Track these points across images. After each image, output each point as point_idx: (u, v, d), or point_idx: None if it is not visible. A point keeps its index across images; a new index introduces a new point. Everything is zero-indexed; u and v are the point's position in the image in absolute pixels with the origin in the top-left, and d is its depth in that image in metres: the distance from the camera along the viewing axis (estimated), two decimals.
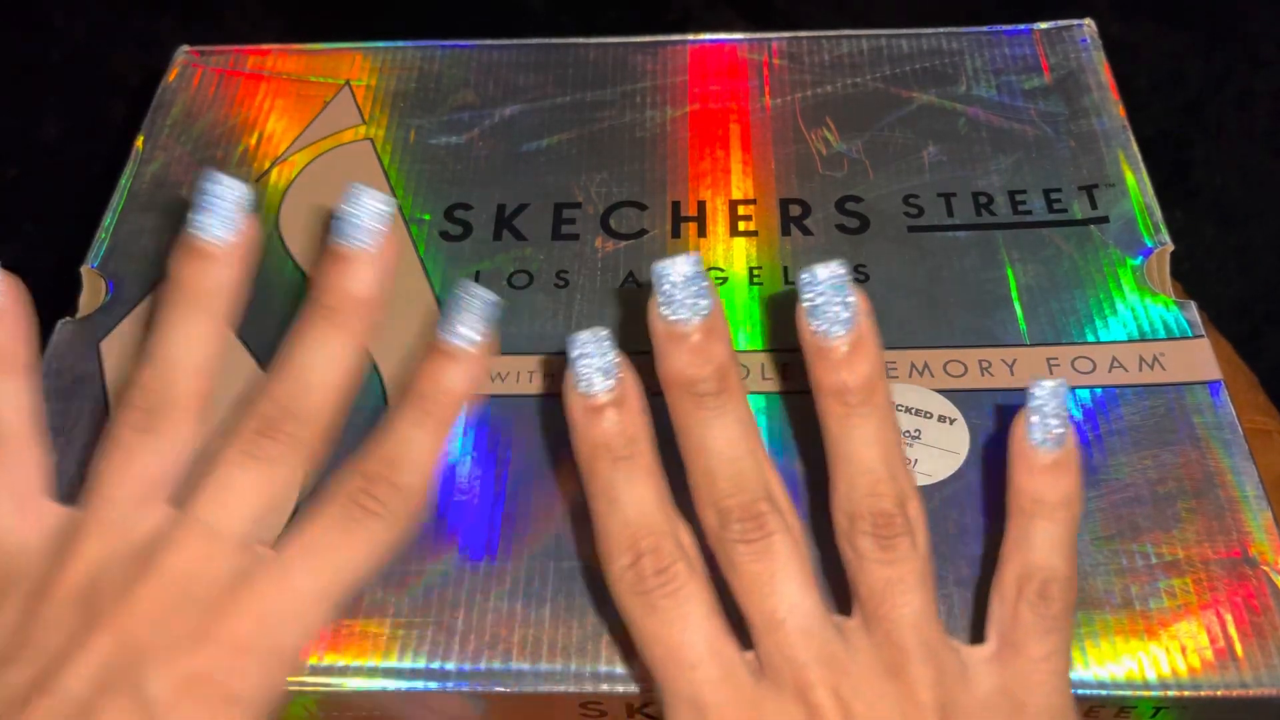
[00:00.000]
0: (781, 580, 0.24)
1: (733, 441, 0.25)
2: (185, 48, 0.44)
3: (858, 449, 0.25)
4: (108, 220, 0.38)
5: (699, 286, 0.25)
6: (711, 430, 0.25)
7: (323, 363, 0.27)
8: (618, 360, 0.26)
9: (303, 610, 0.25)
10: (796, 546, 0.25)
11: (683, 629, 0.24)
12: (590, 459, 0.25)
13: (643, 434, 0.25)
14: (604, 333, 0.25)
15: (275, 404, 0.26)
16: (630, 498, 0.25)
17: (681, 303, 0.25)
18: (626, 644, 0.28)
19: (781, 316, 0.35)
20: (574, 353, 0.25)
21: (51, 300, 0.37)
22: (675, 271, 0.25)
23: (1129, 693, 0.27)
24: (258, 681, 0.24)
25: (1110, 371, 0.33)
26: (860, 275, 0.36)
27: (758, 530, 0.24)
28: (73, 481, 0.32)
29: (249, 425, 0.26)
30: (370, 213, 0.27)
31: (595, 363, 0.25)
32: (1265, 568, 0.29)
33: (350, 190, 0.27)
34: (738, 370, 0.26)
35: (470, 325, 0.27)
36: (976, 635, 0.27)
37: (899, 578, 0.25)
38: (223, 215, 0.27)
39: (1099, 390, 0.32)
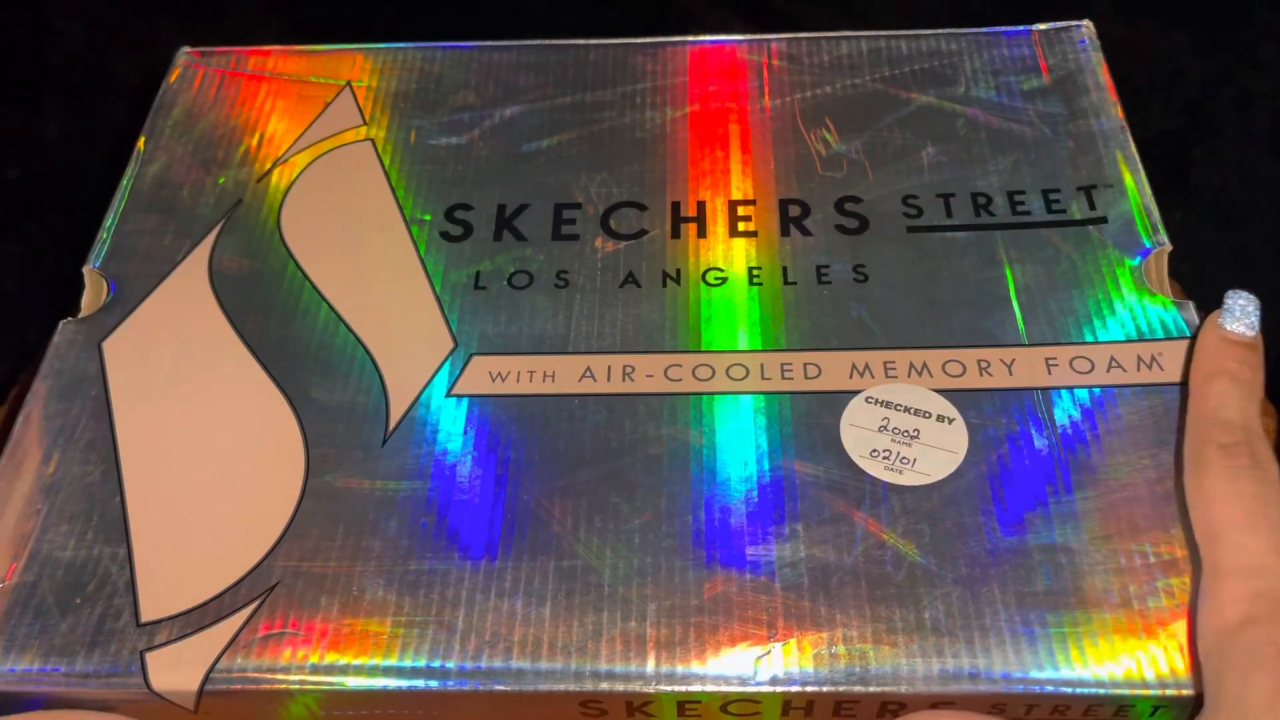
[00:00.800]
0: None
1: None
2: (186, 49, 0.44)
3: None
4: (109, 221, 0.39)
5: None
6: None
7: None
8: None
9: None
10: None
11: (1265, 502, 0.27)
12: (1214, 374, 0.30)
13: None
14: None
15: None
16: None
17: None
18: (626, 643, 0.28)
19: (782, 317, 0.35)
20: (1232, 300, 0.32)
21: (53, 300, 0.37)
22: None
23: (1127, 691, 0.27)
24: None
25: (1109, 371, 0.33)
26: (859, 275, 0.36)
27: None
28: (74, 482, 0.32)
29: None
30: None
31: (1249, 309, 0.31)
32: None
33: None
34: None
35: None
36: (977, 634, 0.27)
37: None
38: None
39: (1097, 390, 0.32)
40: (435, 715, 0.29)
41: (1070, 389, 0.32)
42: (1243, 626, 0.25)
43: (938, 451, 0.31)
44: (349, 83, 0.43)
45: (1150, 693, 0.27)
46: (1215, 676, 0.25)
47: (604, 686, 0.28)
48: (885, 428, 0.32)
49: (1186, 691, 0.27)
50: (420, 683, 0.28)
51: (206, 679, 0.28)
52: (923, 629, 0.28)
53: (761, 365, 0.34)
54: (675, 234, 0.37)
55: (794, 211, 0.38)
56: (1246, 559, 0.26)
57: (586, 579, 0.29)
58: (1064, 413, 0.32)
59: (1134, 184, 0.38)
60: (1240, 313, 0.31)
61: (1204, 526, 0.28)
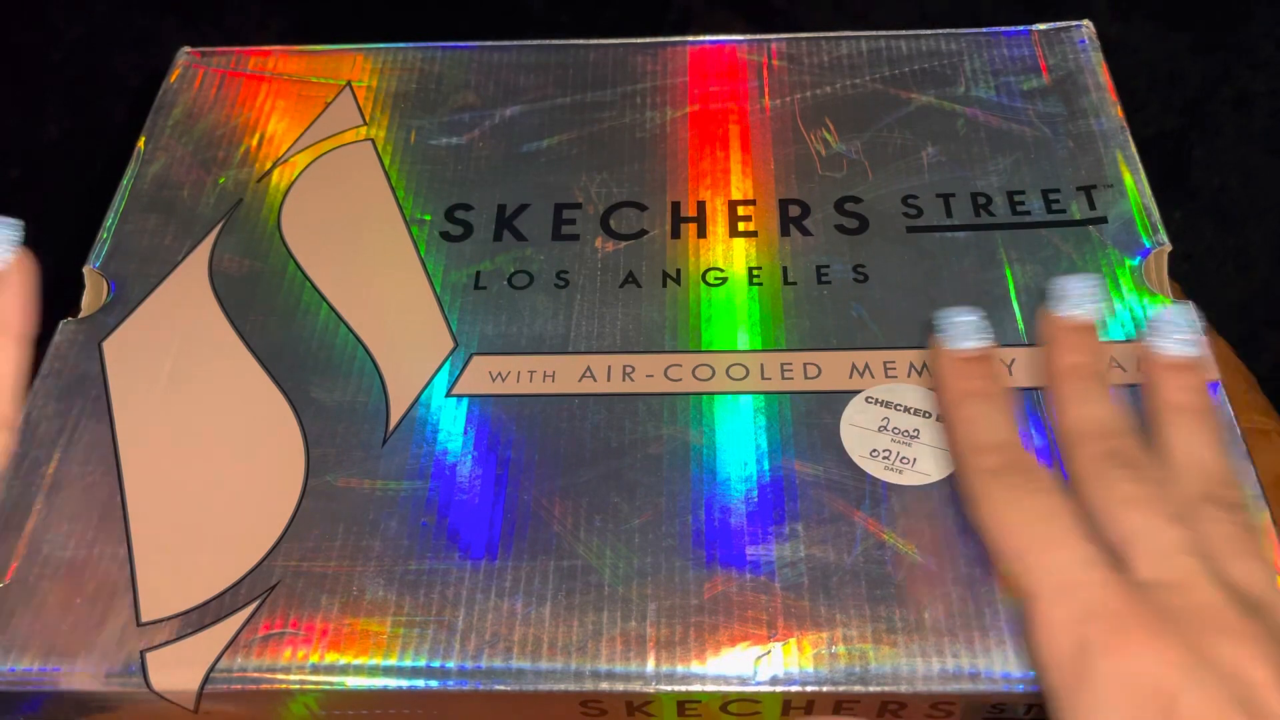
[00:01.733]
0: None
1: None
2: (186, 48, 0.44)
3: None
4: (109, 220, 0.39)
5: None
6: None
7: None
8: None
9: None
10: None
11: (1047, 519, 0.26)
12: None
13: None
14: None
15: None
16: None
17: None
18: (626, 643, 0.28)
19: (782, 317, 0.35)
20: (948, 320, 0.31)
21: (53, 300, 0.37)
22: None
23: None
24: None
25: (1109, 371, 0.33)
26: (859, 275, 0.36)
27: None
28: (74, 481, 0.32)
29: None
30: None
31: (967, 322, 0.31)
32: None
33: None
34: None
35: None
36: (977, 634, 0.27)
37: None
38: None
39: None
40: (435, 715, 0.29)
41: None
42: (1079, 655, 0.24)
43: (938, 451, 0.31)
44: (349, 83, 0.43)
45: None
46: (1064, 714, 0.24)
47: (604, 686, 0.28)
48: (885, 427, 0.32)
49: None
50: (420, 683, 0.28)
51: (207, 679, 0.28)
52: (923, 629, 0.28)
53: (761, 365, 0.34)
54: (675, 234, 0.37)
55: (794, 211, 0.38)
56: (1057, 577, 0.25)
57: (586, 579, 0.29)
58: None
59: (1134, 184, 0.38)
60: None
61: (1003, 554, 0.26)
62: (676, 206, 0.38)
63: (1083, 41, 0.42)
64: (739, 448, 0.32)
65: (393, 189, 0.39)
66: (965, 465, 0.28)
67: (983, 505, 0.27)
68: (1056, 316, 0.30)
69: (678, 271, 0.36)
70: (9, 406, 0.28)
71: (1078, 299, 0.30)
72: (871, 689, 0.27)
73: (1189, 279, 0.41)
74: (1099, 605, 0.24)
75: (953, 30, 0.43)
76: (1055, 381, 0.29)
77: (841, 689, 0.27)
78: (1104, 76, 0.41)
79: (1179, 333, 0.30)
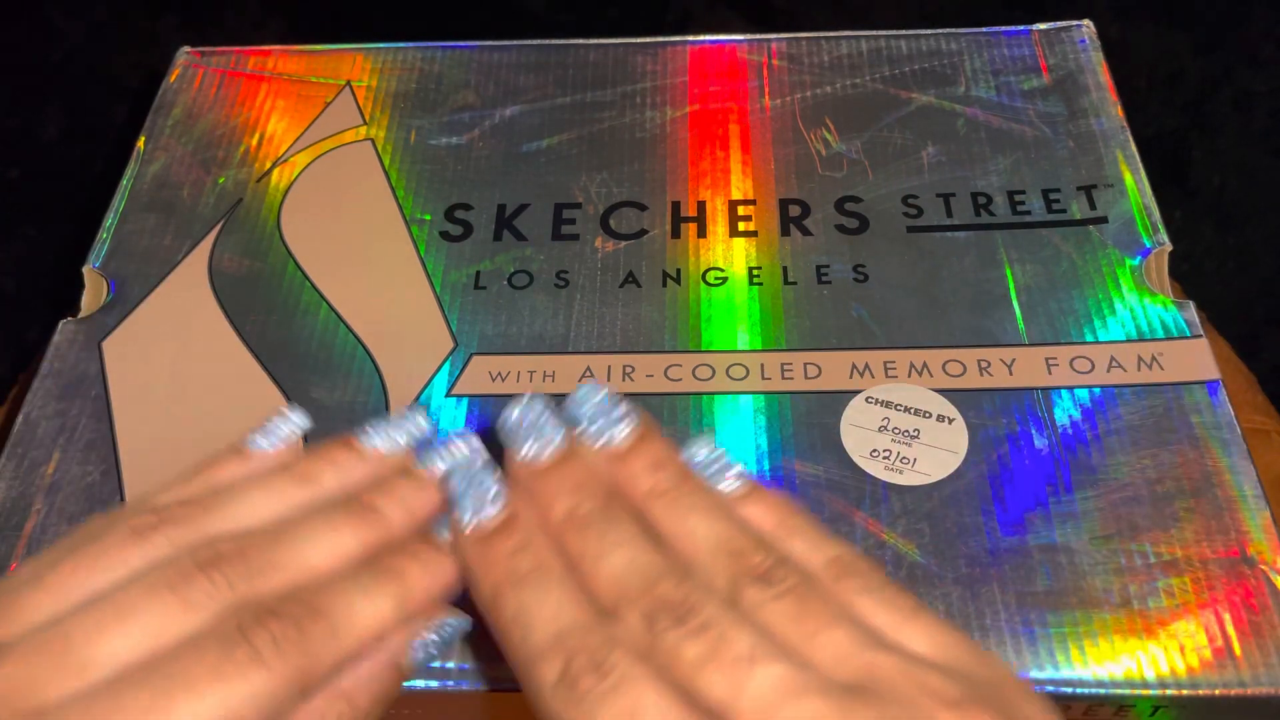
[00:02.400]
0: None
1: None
2: (186, 48, 0.44)
3: None
4: (109, 220, 0.39)
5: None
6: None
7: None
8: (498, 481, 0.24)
9: None
10: None
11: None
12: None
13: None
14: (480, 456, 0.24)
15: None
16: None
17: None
18: None
19: (782, 316, 0.35)
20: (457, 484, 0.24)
21: (53, 300, 0.37)
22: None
23: (1127, 691, 0.27)
24: None
25: (1109, 371, 0.33)
26: (860, 275, 0.36)
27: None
28: (74, 481, 0.32)
29: None
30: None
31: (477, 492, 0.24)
32: (1264, 567, 0.29)
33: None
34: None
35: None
36: (977, 634, 0.27)
37: None
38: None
39: (1097, 390, 0.32)
40: (434, 715, 0.29)
41: (1070, 389, 0.32)
42: None
43: (938, 451, 0.31)
44: (349, 82, 0.43)
45: (1150, 693, 0.27)
46: None
47: None
48: (885, 428, 0.32)
49: (1186, 691, 0.27)
50: (419, 683, 0.28)
51: None
52: None
53: (762, 365, 0.34)
54: (675, 234, 0.37)
55: (794, 211, 0.38)
56: None
57: None
58: (1064, 413, 0.32)
59: (1134, 183, 0.38)
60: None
61: None
62: (676, 206, 0.38)
63: (1083, 41, 0.42)
64: (739, 448, 0.32)
65: (392, 189, 0.39)
66: (528, 680, 0.21)
67: None
68: (522, 461, 0.24)
69: (678, 271, 0.36)
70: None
71: (531, 432, 0.24)
72: None
73: (1189, 278, 0.41)
74: None
75: (953, 30, 0.43)
76: (560, 539, 0.23)
77: None
78: (1104, 76, 0.41)
79: (599, 417, 0.24)
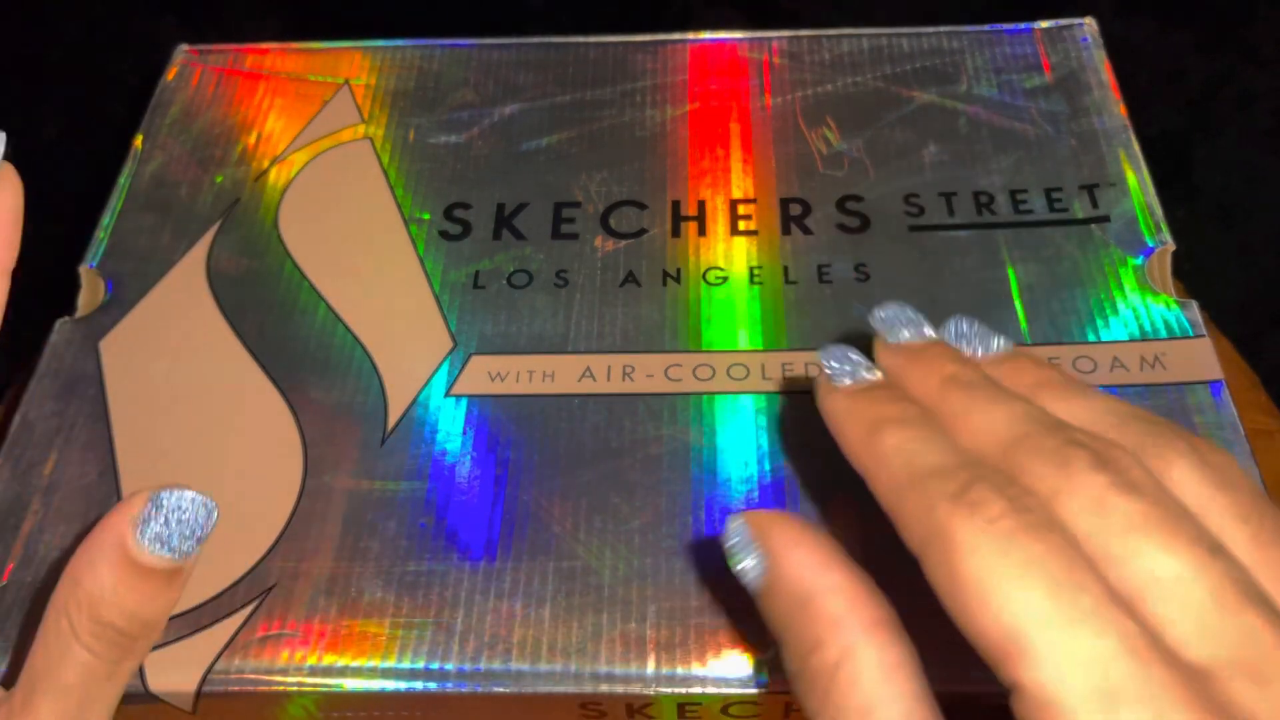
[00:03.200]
0: None
1: None
2: (184, 46, 0.44)
3: None
4: (106, 220, 0.38)
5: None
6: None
7: None
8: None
9: None
10: None
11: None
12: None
13: None
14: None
15: None
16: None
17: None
18: (626, 644, 0.28)
19: (783, 316, 0.35)
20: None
21: (50, 300, 0.37)
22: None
23: None
24: None
25: (1111, 371, 0.33)
26: (861, 275, 0.36)
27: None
28: (72, 482, 0.32)
29: None
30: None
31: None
32: None
33: None
34: None
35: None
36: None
37: None
38: None
39: (1100, 390, 0.32)
40: (434, 717, 0.29)
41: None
42: None
43: None
44: (347, 81, 0.43)
45: None
46: None
47: (604, 688, 0.28)
48: None
49: None
50: (419, 684, 0.28)
51: (204, 680, 0.28)
52: None
53: (762, 365, 0.33)
54: (675, 233, 0.37)
55: (795, 210, 0.38)
56: (1092, 676, 0.16)
57: (586, 580, 0.29)
58: None
59: (1137, 182, 0.37)
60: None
61: (984, 634, 0.18)
62: (677, 205, 0.38)
63: (1085, 39, 0.42)
64: (739, 448, 0.32)
65: (391, 187, 0.39)
66: (908, 503, 0.19)
67: (957, 554, 0.18)
68: (895, 343, 0.25)
69: (678, 271, 0.36)
70: None
71: (905, 323, 0.25)
72: None
73: (1192, 278, 0.41)
74: None
75: (954, 28, 0.43)
76: (938, 402, 0.22)
77: None
78: (1107, 74, 0.41)
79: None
